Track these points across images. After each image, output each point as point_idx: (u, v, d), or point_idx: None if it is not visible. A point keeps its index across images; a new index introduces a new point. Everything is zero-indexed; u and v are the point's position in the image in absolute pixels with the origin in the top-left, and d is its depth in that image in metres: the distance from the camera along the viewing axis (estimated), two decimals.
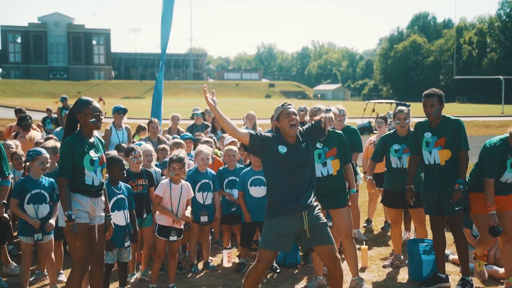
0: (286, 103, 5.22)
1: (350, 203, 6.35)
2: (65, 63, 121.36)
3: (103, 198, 5.32)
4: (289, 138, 5.14)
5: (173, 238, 6.34)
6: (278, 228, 5.05)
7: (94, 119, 5.13)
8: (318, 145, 6.03)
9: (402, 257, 7.32)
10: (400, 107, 7.32)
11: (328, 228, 5.18)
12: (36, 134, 10.49)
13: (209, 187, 7.18)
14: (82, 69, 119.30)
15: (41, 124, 14.01)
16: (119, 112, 9.91)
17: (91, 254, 5.26)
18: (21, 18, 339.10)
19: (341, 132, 6.46)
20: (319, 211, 5.19)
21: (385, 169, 7.39)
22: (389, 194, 7.21)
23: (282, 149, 5.09)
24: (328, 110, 6.19)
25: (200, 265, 7.25)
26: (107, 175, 5.87)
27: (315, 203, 5.16)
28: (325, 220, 5.22)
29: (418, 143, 6.37)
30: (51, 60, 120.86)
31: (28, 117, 10.37)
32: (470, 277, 6.30)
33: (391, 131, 7.48)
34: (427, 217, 6.80)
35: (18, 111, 12.19)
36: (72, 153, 5.03)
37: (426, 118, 6.32)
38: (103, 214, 5.34)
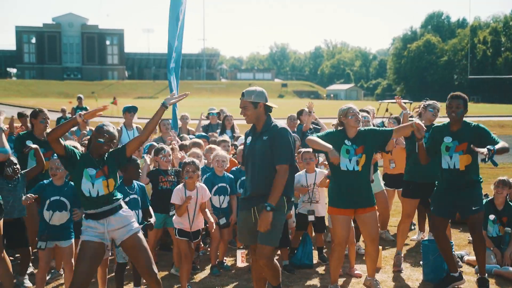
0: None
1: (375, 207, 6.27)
2: (79, 63, 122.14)
3: (117, 216, 5.04)
4: (257, 126, 5.38)
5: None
6: (240, 221, 5.42)
7: (102, 140, 5.01)
8: (347, 142, 6.00)
9: (401, 255, 7.24)
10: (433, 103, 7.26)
11: (274, 229, 5.18)
12: None
13: (225, 191, 7.21)
14: (96, 69, 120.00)
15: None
16: (130, 111, 9.89)
17: (141, 270, 5.17)
18: (35, 18, 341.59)
19: (368, 128, 6.33)
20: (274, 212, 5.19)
21: (407, 161, 7.33)
22: (410, 185, 7.17)
23: (249, 140, 5.44)
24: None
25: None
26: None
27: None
28: (277, 223, 5.20)
29: (436, 146, 6.28)
30: (65, 60, 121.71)
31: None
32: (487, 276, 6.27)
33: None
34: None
35: (20, 116, 11.61)
36: (76, 155, 4.99)
37: (447, 121, 6.26)
38: (130, 226, 5.09)
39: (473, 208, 6.15)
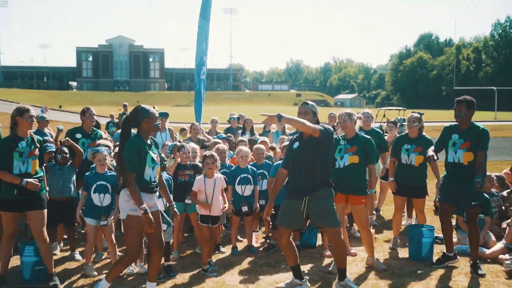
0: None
1: (366, 201, 6.19)
2: (127, 77, 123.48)
3: (157, 193, 5.09)
4: (305, 135, 5.27)
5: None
6: (285, 207, 5.33)
7: (158, 123, 5.07)
8: (341, 142, 6.09)
9: (398, 239, 7.24)
10: (411, 114, 7.17)
11: (332, 213, 5.18)
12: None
13: (248, 181, 7.04)
14: (141, 82, 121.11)
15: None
16: (162, 116, 9.93)
17: (151, 240, 5.03)
18: (92, 40, 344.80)
19: (369, 137, 6.27)
20: (325, 200, 5.18)
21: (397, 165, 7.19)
22: (397, 185, 7.12)
23: (295, 145, 5.33)
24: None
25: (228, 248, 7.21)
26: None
27: (319, 193, 5.14)
28: (331, 207, 5.19)
29: (444, 143, 6.17)
30: (115, 75, 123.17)
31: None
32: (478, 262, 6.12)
33: (403, 133, 7.39)
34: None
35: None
36: (138, 151, 4.80)
37: (456, 122, 6.14)
38: (156, 202, 5.05)
39: (472, 203, 5.97)
